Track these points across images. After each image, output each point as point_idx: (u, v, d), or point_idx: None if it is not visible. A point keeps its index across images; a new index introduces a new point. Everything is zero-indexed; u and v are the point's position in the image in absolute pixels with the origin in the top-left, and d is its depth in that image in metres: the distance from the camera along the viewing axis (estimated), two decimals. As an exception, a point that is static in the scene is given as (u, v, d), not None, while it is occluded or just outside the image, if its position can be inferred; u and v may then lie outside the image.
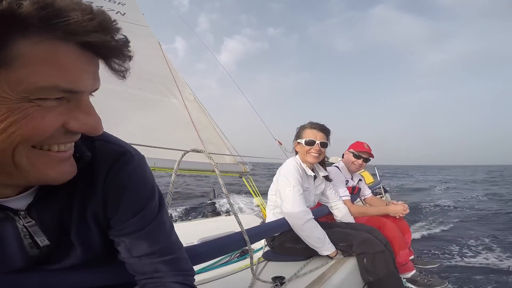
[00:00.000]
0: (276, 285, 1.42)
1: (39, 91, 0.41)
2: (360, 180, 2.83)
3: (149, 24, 4.86)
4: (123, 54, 0.50)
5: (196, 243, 2.59)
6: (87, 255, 0.67)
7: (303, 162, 1.96)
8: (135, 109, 3.43)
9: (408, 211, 2.35)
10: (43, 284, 0.66)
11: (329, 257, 1.74)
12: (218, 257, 1.49)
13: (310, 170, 1.96)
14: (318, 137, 1.90)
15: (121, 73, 0.53)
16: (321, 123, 1.97)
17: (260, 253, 2.10)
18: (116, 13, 4.39)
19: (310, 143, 1.89)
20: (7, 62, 0.39)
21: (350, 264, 1.69)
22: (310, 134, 1.92)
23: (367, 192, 2.86)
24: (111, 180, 0.62)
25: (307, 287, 1.42)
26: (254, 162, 3.89)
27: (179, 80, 4.36)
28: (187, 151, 1.34)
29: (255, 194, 3.38)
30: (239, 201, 8.71)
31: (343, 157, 2.77)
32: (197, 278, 0.82)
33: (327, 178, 2.13)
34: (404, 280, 2.10)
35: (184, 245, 0.79)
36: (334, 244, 1.73)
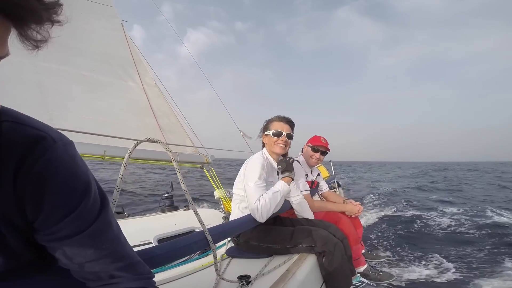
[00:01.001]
0: (243, 284, 1.37)
1: None
2: (318, 174, 2.88)
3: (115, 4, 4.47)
4: (42, 18, 0.39)
5: (152, 240, 2.42)
6: (5, 264, 0.53)
7: (270, 154, 1.99)
8: (86, 92, 3.12)
9: (361, 212, 2.48)
10: None
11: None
12: (178, 259, 1.36)
13: (275, 162, 2.00)
14: (285, 129, 1.95)
15: (35, 43, 0.41)
16: (287, 116, 2.03)
17: (223, 249, 2.05)
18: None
19: (278, 134, 1.93)
20: None
21: (311, 260, 1.72)
22: (277, 126, 1.96)
23: (324, 187, 2.92)
24: (25, 172, 0.49)
25: (274, 285, 1.39)
26: (218, 158, 3.74)
27: (140, 63, 4.05)
28: (141, 141, 1.18)
29: (216, 186, 3.26)
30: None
31: (302, 151, 2.81)
32: (156, 278, 0.71)
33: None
34: (358, 274, 2.20)
35: (139, 243, 0.68)
36: (297, 244, 1.77)
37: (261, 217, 1.67)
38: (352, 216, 2.48)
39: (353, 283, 2.09)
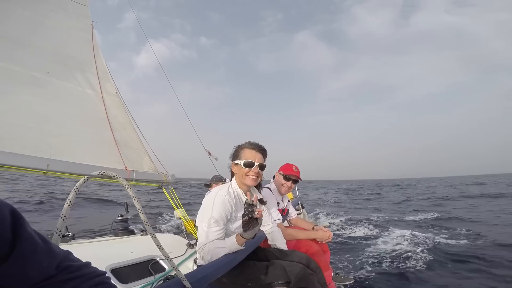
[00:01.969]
0: None
1: None
2: (288, 201, 2.88)
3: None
4: None
5: (104, 270, 2.10)
6: None
7: (239, 185, 1.80)
8: (35, 96, 2.81)
9: (331, 239, 2.46)
10: None
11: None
12: None
13: (244, 195, 1.80)
14: (257, 158, 1.77)
15: None
16: (259, 144, 1.84)
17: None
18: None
19: (249, 164, 1.74)
20: None
21: None
22: (248, 155, 1.76)
23: (293, 214, 2.93)
24: None
25: None
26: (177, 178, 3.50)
27: (103, 70, 3.79)
28: (91, 176, 1.04)
29: (176, 206, 3.04)
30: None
31: (274, 178, 2.79)
32: None
33: (261, 201, 1.97)
34: None
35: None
36: (272, 280, 1.67)
37: (205, 262, 1.56)
38: (322, 242, 2.49)
39: None
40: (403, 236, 6.91)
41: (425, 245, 5.94)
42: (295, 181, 2.65)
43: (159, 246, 1.06)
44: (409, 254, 5.37)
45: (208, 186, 3.70)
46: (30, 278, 0.53)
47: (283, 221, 2.60)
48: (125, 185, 1.04)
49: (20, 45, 3.00)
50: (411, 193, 25.61)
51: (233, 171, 1.85)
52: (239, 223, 1.68)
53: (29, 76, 2.95)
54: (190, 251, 2.56)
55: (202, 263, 1.62)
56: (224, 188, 1.75)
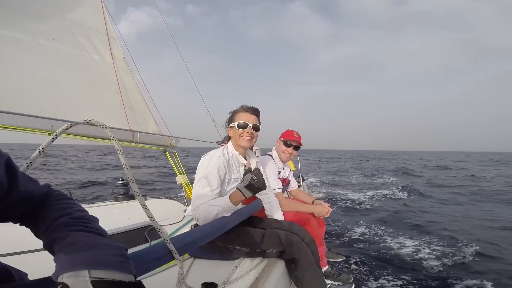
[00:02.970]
0: None
1: None
2: (290, 171, 2.79)
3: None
4: None
5: None
6: None
7: (236, 148, 1.84)
8: (40, 61, 2.86)
9: (329, 214, 2.39)
10: None
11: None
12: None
13: (242, 158, 1.85)
14: (250, 119, 1.81)
15: None
16: (253, 106, 1.87)
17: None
18: None
19: (243, 126, 1.78)
20: None
21: (280, 266, 1.63)
22: (242, 117, 1.81)
23: (293, 185, 2.82)
24: None
25: None
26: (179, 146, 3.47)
27: (111, 35, 3.78)
28: (76, 123, 0.98)
29: (179, 171, 3.04)
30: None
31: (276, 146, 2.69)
32: None
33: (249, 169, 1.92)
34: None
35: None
36: (267, 248, 1.67)
37: (201, 224, 1.53)
38: (320, 217, 2.42)
39: None
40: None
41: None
42: (297, 147, 2.55)
43: (151, 218, 0.99)
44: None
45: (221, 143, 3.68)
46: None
47: (283, 192, 2.51)
48: (111, 136, 0.93)
49: (23, 13, 3.02)
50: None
51: (229, 135, 1.88)
52: (232, 185, 1.71)
53: (35, 44, 3.00)
54: (188, 217, 2.53)
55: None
56: (220, 149, 1.77)
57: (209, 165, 1.65)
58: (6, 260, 0.72)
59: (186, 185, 2.96)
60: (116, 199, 3.04)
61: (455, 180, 15.00)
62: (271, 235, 1.70)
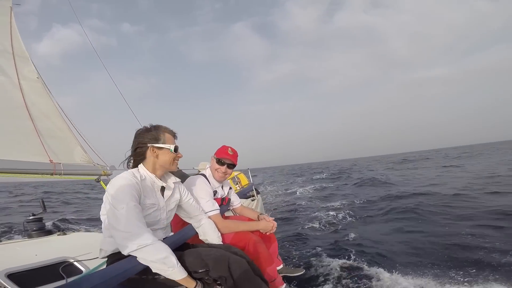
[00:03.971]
0: None
1: None
2: (230, 188, 2.55)
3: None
4: None
5: None
6: None
7: (152, 171, 1.59)
8: None
9: (275, 229, 2.26)
10: None
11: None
12: None
13: (159, 180, 1.61)
14: (174, 142, 1.64)
15: None
16: (170, 128, 1.68)
17: None
18: None
19: (176, 149, 1.61)
20: None
21: None
22: (172, 141, 1.63)
23: (236, 202, 2.60)
24: None
25: None
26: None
27: (21, 54, 3.23)
28: None
29: None
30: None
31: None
32: None
33: (163, 188, 1.69)
34: None
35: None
36: (191, 272, 1.41)
37: (133, 251, 1.28)
38: (267, 233, 2.26)
39: None
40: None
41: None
42: (230, 166, 2.30)
43: None
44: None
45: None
46: None
47: (224, 211, 2.33)
48: None
49: None
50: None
51: (148, 155, 1.59)
52: (148, 211, 1.49)
53: None
54: None
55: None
56: (128, 171, 1.52)
57: (126, 188, 1.39)
58: None
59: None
60: (30, 236, 2.57)
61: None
62: (190, 255, 1.49)
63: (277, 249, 2.37)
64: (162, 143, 1.57)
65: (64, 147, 2.60)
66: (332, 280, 3.43)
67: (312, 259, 4.28)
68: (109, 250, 1.45)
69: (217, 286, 1.43)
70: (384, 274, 3.32)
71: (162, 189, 1.62)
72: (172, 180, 1.72)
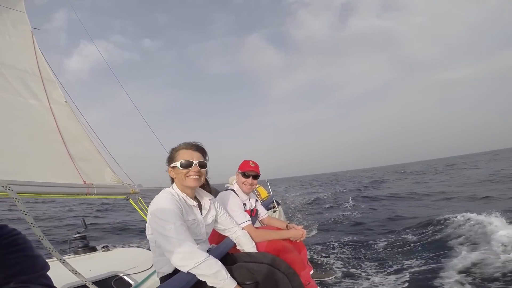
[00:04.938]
0: None
1: None
2: (256, 200, 2.76)
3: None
4: None
5: None
6: None
7: (182, 190, 1.68)
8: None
9: (305, 236, 2.41)
10: None
11: None
12: None
13: (191, 200, 1.69)
14: (195, 157, 1.67)
15: None
16: (195, 142, 1.74)
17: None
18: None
19: (187, 164, 1.63)
20: None
21: None
22: (185, 155, 1.66)
23: (263, 213, 2.81)
24: None
25: None
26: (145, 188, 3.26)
27: (48, 78, 3.43)
28: None
29: (146, 216, 2.83)
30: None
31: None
32: None
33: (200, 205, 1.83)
34: None
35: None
36: (239, 282, 1.51)
37: (190, 268, 1.41)
38: (297, 241, 2.42)
39: None
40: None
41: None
42: (255, 177, 2.51)
43: (64, 262, 1.05)
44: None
45: None
46: None
47: (254, 222, 2.48)
48: (15, 198, 1.00)
49: None
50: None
51: (171, 176, 1.72)
52: (190, 227, 1.61)
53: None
54: None
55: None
56: (166, 191, 1.65)
57: (170, 207, 1.50)
58: None
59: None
60: (76, 253, 2.78)
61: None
62: (240, 268, 1.62)
63: (306, 256, 2.52)
64: (175, 162, 1.66)
65: (95, 169, 2.76)
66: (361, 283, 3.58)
67: (339, 262, 4.45)
68: (166, 271, 1.59)
69: None
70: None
71: (199, 206, 1.75)
72: (208, 197, 1.84)
